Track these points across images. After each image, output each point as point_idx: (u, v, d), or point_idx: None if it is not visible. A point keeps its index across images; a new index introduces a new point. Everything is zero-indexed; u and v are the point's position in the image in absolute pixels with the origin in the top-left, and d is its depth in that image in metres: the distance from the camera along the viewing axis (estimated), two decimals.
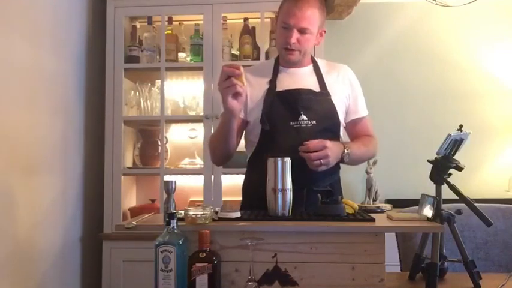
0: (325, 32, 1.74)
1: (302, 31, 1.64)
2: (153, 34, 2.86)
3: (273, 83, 1.72)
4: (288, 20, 1.63)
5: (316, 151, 1.50)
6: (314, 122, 1.65)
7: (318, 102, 1.68)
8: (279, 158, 1.42)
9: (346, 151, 1.59)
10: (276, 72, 1.74)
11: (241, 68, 1.50)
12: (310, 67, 1.77)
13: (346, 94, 1.76)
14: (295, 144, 1.55)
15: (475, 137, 1.55)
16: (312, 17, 1.63)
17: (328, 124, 1.69)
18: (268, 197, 1.43)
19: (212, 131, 2.68)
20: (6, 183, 2.02)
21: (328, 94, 1.71)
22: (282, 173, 1.41)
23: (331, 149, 1.52)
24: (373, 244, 1.28)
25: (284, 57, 1.72)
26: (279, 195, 1.41)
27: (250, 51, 2.80)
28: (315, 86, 1.72)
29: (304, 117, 1.65)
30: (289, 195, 1.42)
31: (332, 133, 1.71)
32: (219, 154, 1.75)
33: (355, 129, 1.79)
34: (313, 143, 1.51)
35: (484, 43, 3.15)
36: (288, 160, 1.42)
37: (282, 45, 1.68)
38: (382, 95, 3.13)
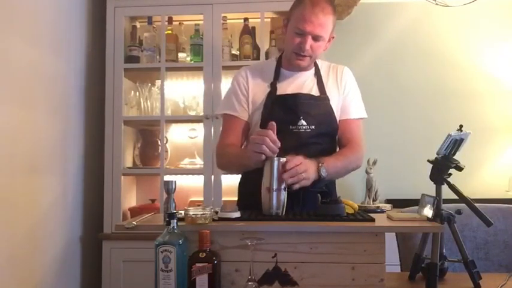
0: (333, 37, 1.70)
1: (316, 38, 1.62)
2: (153, 34, 2.86)
3: (273, 86, 1.71)
4: (304, 27, 1.60)
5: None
6: (313, 126, 1.66)
7: (317, 106, 1.68)
8: (275, 158, 1.42)
9: (320, 165, 1.51)
10: (277, 75, 1.74)
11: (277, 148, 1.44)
12: (312, 71, 1.76)
13: (341, 96, 1.74)
14: (294, 148, 1.55)
15: (475, 137, 1.55)
16: (326, 24, 1.61)
17: (326, 129, 1.69)
18: (262, 197, 1.43)
19: (212, 131, 2.69)
20: (6, 183, 2.02)
21: (327, 98, 1.71)
22: (278, 173, 1.41)
23: (306, 164, 1.46)
24: (373, 244, 1.28)
25: (293, 62, 1.69)
26: (274, 195, 1.41)
27: (250, 51, 2.80)
28: (315, 90, 1.71)
29: (304, 122, 1.65)
30: (284, 194, 1.42)
31: (330, 137, 1.72)
32: (231, 172, 2.06)
33: (341, 131, 1.73)
34: (290, 163, 1.42)
35: (484, 43, 3.15)
36: (284, 160, 1.42)
37: (294, 50, 1.65)
38: (382, 95, 3.13)
